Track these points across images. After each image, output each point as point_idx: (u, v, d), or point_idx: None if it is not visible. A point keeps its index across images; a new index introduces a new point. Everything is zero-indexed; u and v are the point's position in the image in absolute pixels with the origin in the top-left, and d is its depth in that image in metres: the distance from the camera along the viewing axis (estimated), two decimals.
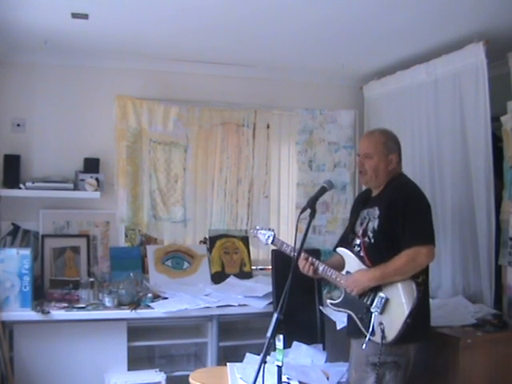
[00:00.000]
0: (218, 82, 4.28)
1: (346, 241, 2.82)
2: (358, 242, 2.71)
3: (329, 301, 2.78)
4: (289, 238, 4.40)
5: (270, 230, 3.00)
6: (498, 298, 3.27)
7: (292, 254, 2.84)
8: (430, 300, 2.74)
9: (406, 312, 2.45)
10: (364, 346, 2.51)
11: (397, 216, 2.56)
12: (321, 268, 2.71)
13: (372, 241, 2.64)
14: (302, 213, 2.45)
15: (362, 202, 2.83)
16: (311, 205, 2.43)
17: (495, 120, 3.30)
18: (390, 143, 2.73)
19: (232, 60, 4.14)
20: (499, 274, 3.27)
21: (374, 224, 2.63)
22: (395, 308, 2.49)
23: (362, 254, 2.67)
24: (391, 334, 2.46)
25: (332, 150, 4.48)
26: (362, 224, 2.72)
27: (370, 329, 2.51)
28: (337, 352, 3.35)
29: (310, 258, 2.72)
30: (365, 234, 2.67)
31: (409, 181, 2.76)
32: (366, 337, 2.52)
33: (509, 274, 3.23)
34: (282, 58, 4.09)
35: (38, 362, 3.29)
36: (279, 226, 4.46)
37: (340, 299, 2.70)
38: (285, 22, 3.26)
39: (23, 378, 3.28)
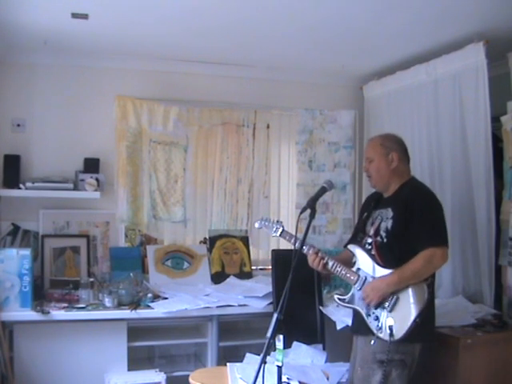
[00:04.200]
0: (218, 82, 4.28)
1: (355, 240, 2.86)
2: (369, 241, 2.75)
3: (336, 296, 2.78)
4: None
5: (278, 222, 2.93)
6: (498, 297, 3.27)
7: (297, 248, 2.85)
8: None
9: (416, 312, 2.48)
10: (372, 342, 2.54)
11: (413, 217, 2.59)
12: (330, 263, 2.71)
13: (385, 240, 2.67)
14: (302, 213, 2.47)
15: (374, 202, 2.88)
16: (311, 205, 2.45)
17: (495, 120, 3.30)
18: (387, 143, 2.79)
19: (232, 60, 4.14)
20: (499, 274, 3.27)
21: (388, 224, 2.67)
22: (404, 307, 2.52)
23: (373, 252, 2.70)
24: (400, 333, 2.48)
25: (332, 150, 4.48)
26: (373, 224, 2.77)
27: (379, 326, 2.54)
28: (337, 352, 3.35)
29: (320, 253, 2.72)
30: (377, 233, 2.71)
31: (422, 183, 2.85)
32: (373, 334, 2.55)
33: (509, 273, 3.23)
34: (281, 58, 4.09)
35: (38, 362, 3.29)
36: None
37: (349, 296, 2.71)
38: (285, 23, 3.27)
39: (23, 378, 3.27)
